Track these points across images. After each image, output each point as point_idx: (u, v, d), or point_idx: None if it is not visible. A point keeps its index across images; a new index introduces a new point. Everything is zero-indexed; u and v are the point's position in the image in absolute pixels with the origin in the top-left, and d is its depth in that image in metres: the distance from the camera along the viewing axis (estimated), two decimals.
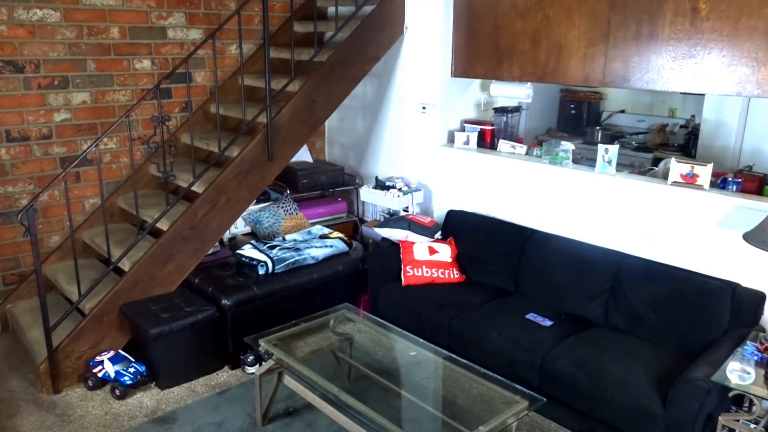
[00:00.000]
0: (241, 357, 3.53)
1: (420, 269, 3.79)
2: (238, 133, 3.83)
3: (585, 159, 4.10)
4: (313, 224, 4.54)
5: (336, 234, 4.27)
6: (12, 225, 3.93)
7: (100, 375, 3.29)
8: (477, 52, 4.06)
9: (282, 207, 4.52)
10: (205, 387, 3.39)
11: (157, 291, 3.59)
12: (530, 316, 3.35)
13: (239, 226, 4.49)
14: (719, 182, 3.20)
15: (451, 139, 4.36)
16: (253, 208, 4.46)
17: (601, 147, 3.54)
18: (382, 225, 4.26)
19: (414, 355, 3.16)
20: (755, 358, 2.47)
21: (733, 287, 2.95)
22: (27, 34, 3.77)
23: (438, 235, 4.13)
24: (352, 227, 4.96)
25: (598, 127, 5.45)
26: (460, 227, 4.08)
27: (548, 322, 3.28)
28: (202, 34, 4.45)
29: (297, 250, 3.95)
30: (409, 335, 3.18)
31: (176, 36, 4.36)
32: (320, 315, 3.32)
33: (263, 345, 2.99)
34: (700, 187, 3.14)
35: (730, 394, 2.46)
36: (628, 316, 3.22)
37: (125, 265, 3.57)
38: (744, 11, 2.89)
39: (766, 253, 2.71)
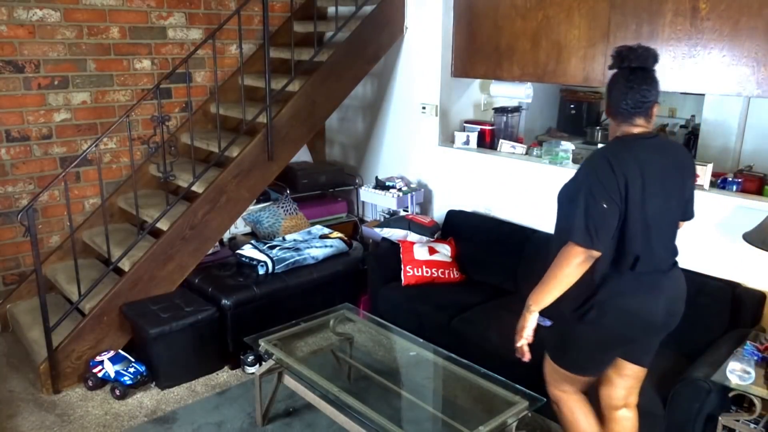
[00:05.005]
0: (241, 357, 3.53)
1: (420, 269, 3.79)
2: (238, 133, 3.83)
3: (585, 159, 4.09)
4: (313, 224, 4.54)
5: (336, 234, 4.27)
6: (12, 225, 3.93)
7: (100, 375, 3.29)
8: (477, 52, 4.06)
9: (282, 207, 4.52)
10: (205, 387, 3.39)
11: (157, 291, 3.59)
12: None
13: (239, 226, 4.49)
14: (719, 182, 3.20)
15: (451, 139, 4.35)
16: (253, 208, 4.46)
17: (601, 147, 3.53)
18: (382, 225, 4.26)
19: (414, 355, 3.16)
20: (755, 358, 2.47)
21: (733, 287, 2.95)
22: (27, 34, 3.77)
23: (438, 235, 4.13)
24: (352, 227, 4.96)
25: (598, 127, 5.44)
26: (460, 227, 4.08)
27: (548, 322, 3.26)
28: (202, 34, 4.45)
29: (297, 250, 3.95)
30: (409, 335, 3.18)
31: (176, 36, 4.36)
32: (320, 315, 3.32)
33: (263, 345, 2.99)
34: (700, 187, 3.14)
35: (730, 394, 2.46)
36: None
37: (125, 265, 3.57)
38: (744, 11, 2.89)
39: (766, 253, 2.71)
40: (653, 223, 2.12)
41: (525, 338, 2.22)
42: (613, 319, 2.16)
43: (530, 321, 2.19)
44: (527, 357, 2.25)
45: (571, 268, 2.08)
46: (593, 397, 2.46)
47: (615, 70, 2.17)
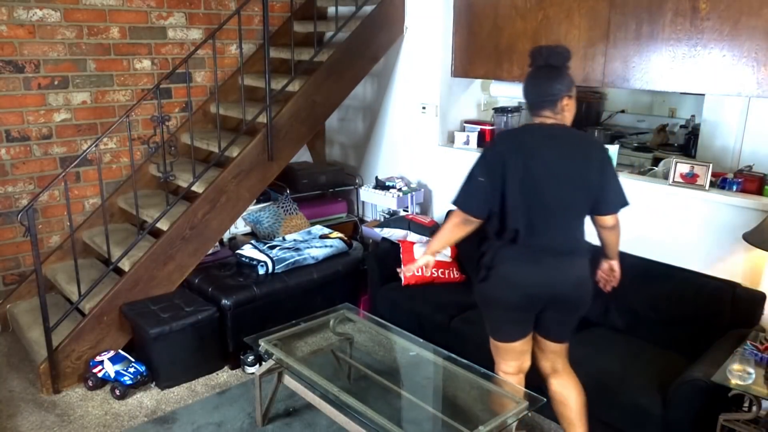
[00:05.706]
0: (241, 357, 3.53)
1: (420, 269, 3.77)
2: (238, 133, 3.83)
3: None
4: (313, 224, 4.54)
5: (336, 234, 4.27)
6: (12, 225, 3.93)
7: (100, 375, 3.29)
8: (477, 52, 4.06)
9: (282, 207, 4.52)
10: (205, 387, 3.39)
11: (157, 291, 3.59)
12: None
13: (239, 226, 4.49)
14: (719, 182, 3.20)
15: (451, 139, 4.35)
16: (253, 208, 4.46)
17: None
18: (382, 225, 4.26)
19: (414, 355, 3.16)
20: (755, 358, 2.47)
21: (733, 287, 2.95)
22: (27, 34, 3.77)
23: None
24: (352, 227, 4.96)
25: (598, 127, 5.44)
26: None
27: None
28: (202, 34, 4.46)
29: (297, 250, 3.95)
30: (409, 335, 3.18)
31: (176, 36, 4.36)
32: (320, 315, 3.32)
33: (263, 345, 2.99)
34: (701, 187, 3.14)
35: (730, 394, 2.46)
36: (628, 316, 3.22)
37: (125, 265, 3.57)
38: (744, 11, 2.89)
39: (766, 253, 2.71)
40: (538, 204, 2.32)
41: (408, 267, 2.75)
42: (494, 282, 2.43)
43: (420, 260, 2.62)
44: (403, 278, 2.62)
45: (451, 225, 2.44)
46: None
47: (530, 68, 2.39)
